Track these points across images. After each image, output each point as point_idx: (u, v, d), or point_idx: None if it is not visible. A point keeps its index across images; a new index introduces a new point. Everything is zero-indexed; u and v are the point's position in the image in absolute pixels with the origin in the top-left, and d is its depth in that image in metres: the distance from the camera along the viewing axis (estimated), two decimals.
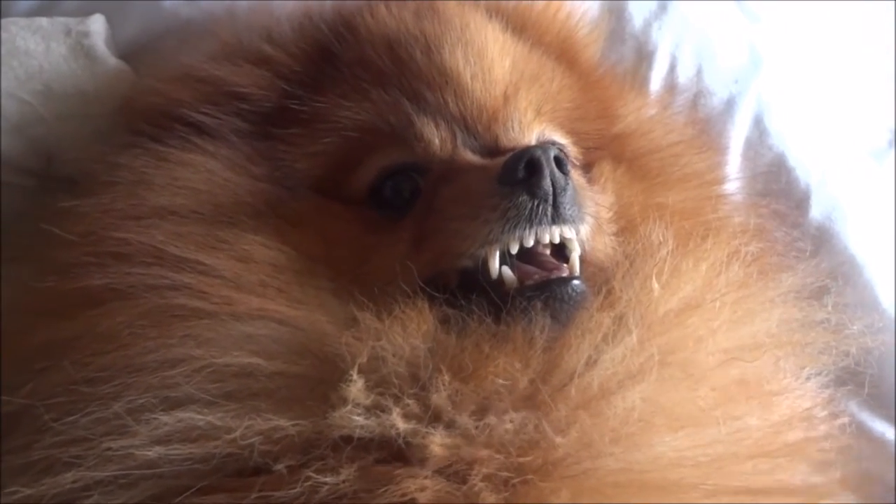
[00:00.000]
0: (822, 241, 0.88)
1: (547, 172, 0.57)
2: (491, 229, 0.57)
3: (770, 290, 0.66)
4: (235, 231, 0.61)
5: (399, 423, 0.51)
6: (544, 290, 0.57)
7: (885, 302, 0.88)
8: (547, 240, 0.58)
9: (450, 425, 0.51)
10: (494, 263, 0.57)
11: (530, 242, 0.57)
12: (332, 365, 0.53)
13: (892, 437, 0.85)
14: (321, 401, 0.52)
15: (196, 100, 0.68)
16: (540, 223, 0.58)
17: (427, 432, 0.51)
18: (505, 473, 0.50)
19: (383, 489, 0.50)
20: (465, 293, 0.58)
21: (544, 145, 0.60)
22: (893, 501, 0.83)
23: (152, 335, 0.55)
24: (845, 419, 0.76)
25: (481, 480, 0.50)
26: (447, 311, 0.56)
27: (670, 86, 0.90)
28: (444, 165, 0.63)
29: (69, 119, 0.71)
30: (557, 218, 0.58)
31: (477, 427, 0.51)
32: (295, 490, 0.49)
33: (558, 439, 0.51)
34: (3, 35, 0.72)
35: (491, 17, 0.73)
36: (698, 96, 0.90)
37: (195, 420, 0.52)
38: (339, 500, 0.50)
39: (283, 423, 0.51)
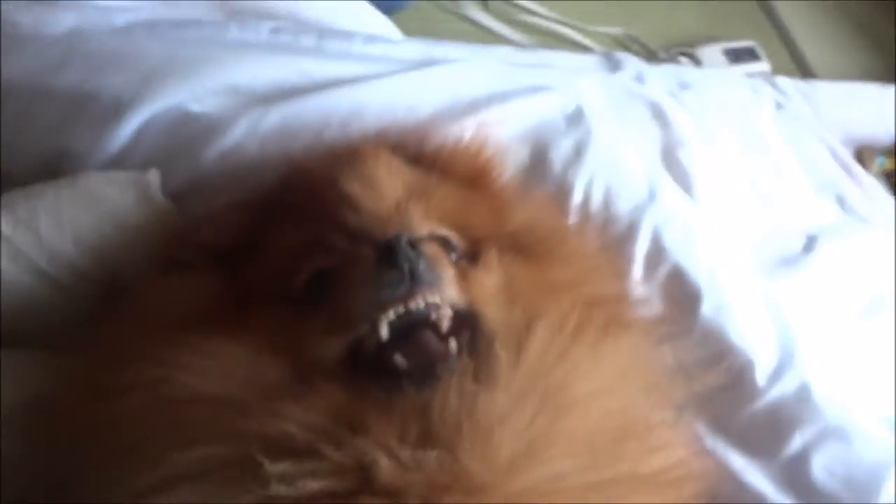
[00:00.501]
0: (708, 333, 1.08)
1: (401, 251, 0.72)
2: (371, 294, 0.72)
3: (626, 339, 0.83)
4: (205, 335, 0.75)
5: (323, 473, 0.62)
6: (426, 369, 0.70)
7: (760, 381, 1.06)
8: (414, 305, 0.72)
9: (390, 456, 0.63)
10: (383, 328, 0.71)
11: (401, 308, 0.71)
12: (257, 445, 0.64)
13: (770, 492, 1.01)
14: (255, 479, 0.62)
15: (181, 244, 0.92)
16: (401, 286, 0.72)
17: (375, 459, 0.62)
18: (432, 495, 0.62)
19: None
20: (368, 371, 0.71)
21: (399, 235, 0.74)
22: None
23: (149, 422, 0.69)
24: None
25: (417, 502, 0.61)
26: (359, 384, 0.69)
27: (585, 213, 1.14)
28: (347, 262, 0.78)
29: (132, 245, 0.97)
30: (416, 282, 0.72)
31: (410, 459, 0.63)
32: None
33: (471, 464, 0.63)
34: (86, 183, 0.97)
35: (393, 153, 0.94)
36: (607, 222, 1.14)
37: (182, 499, 0.62)
38: None
39: (240, 498, 0.61)
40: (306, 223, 0.87)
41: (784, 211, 1.45)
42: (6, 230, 0.93)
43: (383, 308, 0.72)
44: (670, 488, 0.71)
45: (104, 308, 0.92)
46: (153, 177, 1.02)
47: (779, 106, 1.71)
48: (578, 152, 1.20)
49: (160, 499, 0.63)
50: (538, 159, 1.17)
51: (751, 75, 1.86)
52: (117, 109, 1.06)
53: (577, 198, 1.16)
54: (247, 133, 1.08)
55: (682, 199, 1.23)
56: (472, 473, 0.63)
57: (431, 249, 0.79)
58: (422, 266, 0.73)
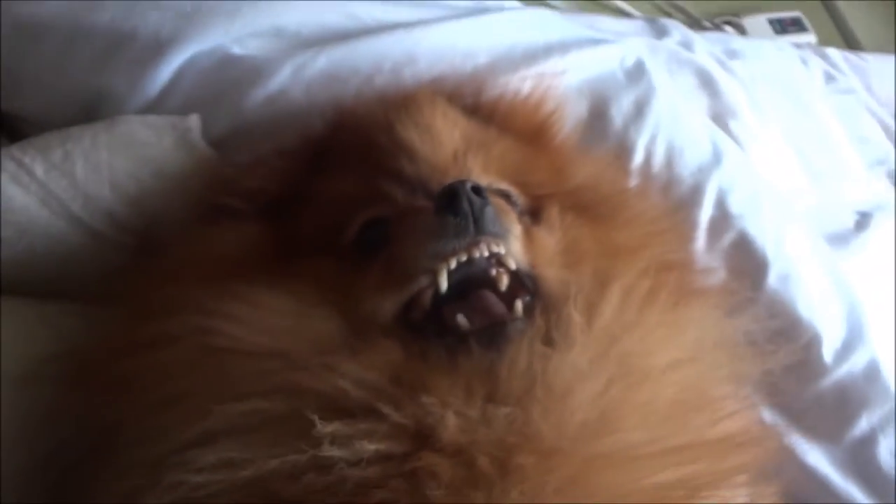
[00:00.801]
0: (774, 304, 1.03)
1: (464, 196, 0.68)
2: (431, 245, 0.69)
3: (698, 309, 0.79)
4: (252, 285, 0.72)
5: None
6: (493, 331, 0.67)
7: (826, 356, 1.02)
8: (478, 254, 0.68)
9: (457, 414, 0.60)
10: (443, 279, 0.68)
11: (464, 257, 0.68)
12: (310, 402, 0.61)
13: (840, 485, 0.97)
14: (304, 437, 0.59)
15: (226, 191, 0.87)
16: (465, 235, 0.68)
17: (442, 416, 0.59)
18: (501, 454, 0.59)
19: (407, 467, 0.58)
20: (427, 330, 0.68)
21: (463, 180, 0.70)
22: None
23: (194, 373, 0.66)
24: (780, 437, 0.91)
25: (486, 459, 0.59)
26: (416, 342, 0.66)
27: (646, 174, 1.08)
28: (403, 213, 0.75)
29: (172, 193, 0.92)
30: (480, 231, 0.68)
31: (480, 416, 0.60)
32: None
33: (542, 426, 0.60)
34: (124, 128, 0.93)
35: (449, 102, 0.90)
36: (669, 183, 1.09)
37: (228, 453, 0.60)
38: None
39: (289, 456, 0.59)
40: (358, 171, 0.83)
41: (834, 186, 1.39)
42: (40, 173, 0.88)
43: (444, 258, 0.68)
44: (734, 453, 0.68)
45: (141, 258, 0.88)
46: (194, 122, 0.96)
47: (829, 78, 1.65)
48: (640, 109, 1.13)
49: (205, 452, 0.60)
50: (597, 115, 1.11)
51: (797, 46, 1.77)
52: (156, 49, 1.01)
53: (638, 157, 1.10)
54: (292, 78, 1.03)
55: (747, 163, 1.16)
56: (543, 435, 0.60)
57: (496, 200, 0.75)
58: (488, 213, 0.69)
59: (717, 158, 1.12)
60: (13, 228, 0.86)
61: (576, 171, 0.93)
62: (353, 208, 0.78)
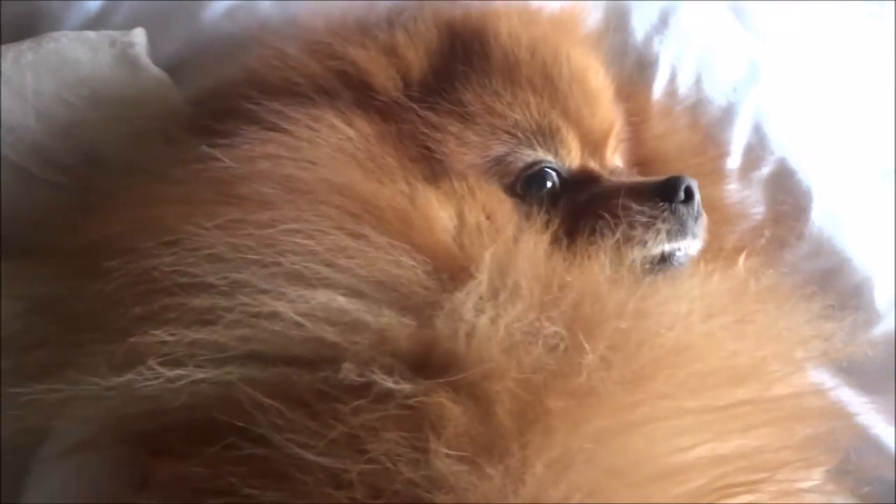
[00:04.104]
0: (821, 242, 0.92)
1: (696, 197, 0.72)
2: (660, 235, 0.70)
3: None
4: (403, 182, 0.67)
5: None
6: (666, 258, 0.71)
7: (879, 301, 0.91)
8: (692, 250, 0.73)
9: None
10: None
11: (681, 248, 0.72)
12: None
13: (891, 437, 0.86)
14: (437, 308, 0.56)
15: (328, 76, 0.74)
16: (690, 236, 0.72)
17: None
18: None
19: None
20: None
21: (688, 178, 0.73)
22: (894, 501, 0.86)
23: (324, 222, 0.59)
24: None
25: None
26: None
27: (671, 94, 0.94)
28: (583, 174, 0.75)
29: (112, 121, 0.78)
30: (693, 233, 0.73)
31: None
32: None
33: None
34: (53, 45, 0.79)
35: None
36: (698, 104, 0.94)
37: (342, 304, 0.55)
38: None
39: (400, 321, 0.55)
40: (524, 96, 0.75)
41: (880, 121, 1.24)
42: None
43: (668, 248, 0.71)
44: (802, 421, 0.63)
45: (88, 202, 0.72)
46: (138, 36, 0.81)
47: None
48: (664, 19, 0.98)
49: None
50: (616, 25, 0.95)
51: None
52: None
53: (662, 74, 0.94)
54: None
55: (789, 82, 1.00)
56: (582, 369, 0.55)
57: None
58: (699, 217, 0.74)
59: (753, 76, 0.98)
60: None
61: (645, 135, 0.89)
62: (517, 140, 0.74)
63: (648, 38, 0.96)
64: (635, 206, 0.71)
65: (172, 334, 0.54)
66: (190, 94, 0.82)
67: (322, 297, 0.55)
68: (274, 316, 0.54)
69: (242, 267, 0.56)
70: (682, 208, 0.72)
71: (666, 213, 0.71)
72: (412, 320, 0.56)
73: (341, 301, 0.56)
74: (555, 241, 0.66)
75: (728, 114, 0.95)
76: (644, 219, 0.71)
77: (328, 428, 0.51)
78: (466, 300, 0.56)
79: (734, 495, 0.54)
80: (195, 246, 0.57)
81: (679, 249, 0.72)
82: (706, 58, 0.97)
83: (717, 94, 0.96)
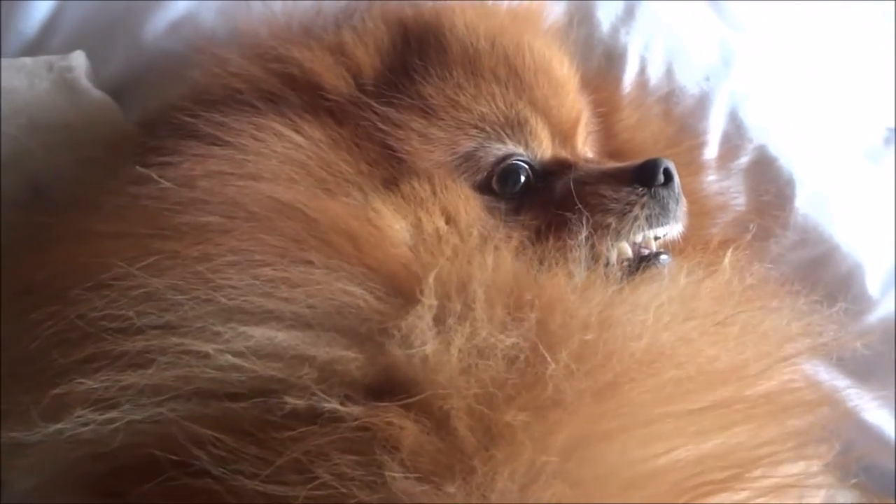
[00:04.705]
0: (806, 230, 0.89)
1: (675, 178, 0.69)
2: (638, 222, 0.68)
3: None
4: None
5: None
6: (646, 260, 0.68)
7: (871, 288, 0.88)
8: (673, 234, 0.71)
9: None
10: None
11: (663, 234, 0.70)
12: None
13: (891, 426, 0.84)
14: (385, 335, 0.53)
15: (272, 80, 0.70)
16: (672, 219, 0.69)
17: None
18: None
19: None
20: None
21: (665, 160, 0.70)
22: (893, 488, 0.83)
23: (266, 251, 0.56)
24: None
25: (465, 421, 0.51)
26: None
27: (642, 86, 0.91)
28: (556, 164, 0.72)
29: (55, 150, 0.74)
30: (675, 218, 0.70)
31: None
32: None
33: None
34: None
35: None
36: (670, 94, 0.91)
37: (284, 339, 0.52)
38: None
39: (348, 354, 0.52)
40: (488, 88, 0.71)
41: (863, 102, 1.21)
42: None
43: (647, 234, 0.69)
44: (782, 416, 0.61)
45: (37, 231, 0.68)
46: (77, 59, 0.77)
47: None
48: (630, 10, 0.95)
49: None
50: (581, 19, 0.92)
51: None
52: None
53: (632, 66, 0.91)
54: None
55: (764, 66, 0.97)
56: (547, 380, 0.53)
57: None
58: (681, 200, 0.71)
59: (726, 62, 0.94)
60: None
61: (618, 126, 0.86)
62: (486, 134, 0.71)
63: (615, 30, 0.93)
64: (611, 194, 0.69)
65: (103, 380, 0.51)
66: (136, 116, 0.78)
67: (262, 333, 0.52)
68: (208, 358, 0.51)
69: (176, 306, 0.53)
70: (662, 191, 0.69)
71: (645, 198, 0.69)
72: (361, 351, 0.52)
73: (283, 336, 0.52)
74: (522, 245, 0.63)
75: (702, 102, 0.92)
76: (619, 206, 0.68)
77: (275, 455, 0.49)
78: (416, 325, 0.53)
79: (710, 494, 0.53)
80: (127, 287, 0.54)
81: (665, 234, 0.70)
82: (676, 47, 0.94)
83: (689, 83, 0.92)
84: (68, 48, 0.81)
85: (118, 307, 0.53)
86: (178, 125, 0.65)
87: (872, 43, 1.27)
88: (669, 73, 0.92)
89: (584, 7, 0.94)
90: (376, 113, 0.69)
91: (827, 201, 0.90)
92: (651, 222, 0.69)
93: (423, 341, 0.52)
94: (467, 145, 0.70)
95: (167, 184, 0.59)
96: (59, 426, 0.51)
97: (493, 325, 0.54)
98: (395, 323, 0.53)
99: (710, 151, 0.91)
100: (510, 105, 0.72)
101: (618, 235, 0.68)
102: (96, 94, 0.77)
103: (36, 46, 0.84)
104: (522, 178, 0.71)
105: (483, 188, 0.70)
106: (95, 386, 0.51)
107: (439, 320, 0.53)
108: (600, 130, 0.84)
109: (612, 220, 0.68)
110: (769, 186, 0.89)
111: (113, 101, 0.79)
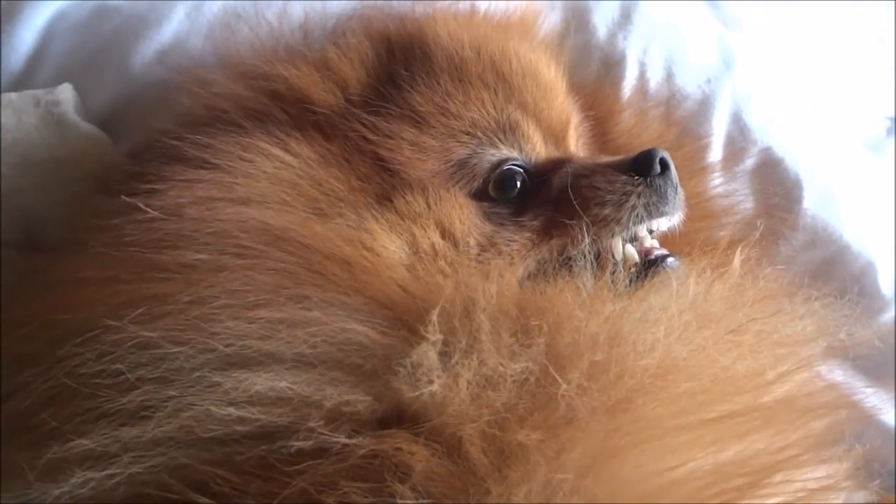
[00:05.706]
0: (816, 230, 0.87)
1: (672, 168, 0.68)
2: (636, 211, 0.67)
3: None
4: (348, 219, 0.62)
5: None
6: (654, 264, 0.67)
7: (885, 287, 0.86)
8: (674, 223, 0.70)
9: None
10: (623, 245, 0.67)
11: (664, 225, 0.69)
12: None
13: (892, 420, 0.82)
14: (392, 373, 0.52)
15: (258, 97, 0.69)
16: (671, 207, 0.68)
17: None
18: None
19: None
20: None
21: (661, 150, 0.69)
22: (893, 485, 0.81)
23: (260, 289, 0.54)
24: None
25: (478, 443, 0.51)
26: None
27: (641, 90, 0.89)
28: (551, 163, 0.71)
29: (46, 188, 0.72)
30: (674, 207, 0.69)
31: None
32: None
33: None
34: None
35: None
36: (671, 98, 0.90)
37: (287, 385, 0.51)
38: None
39: (356, 397, 0.51)
40: (478, 94, 0.71)
41: (864, 94, 1.19)
42: None
43: (648, 224, 0.68)
44: (801, 421, 0.59)
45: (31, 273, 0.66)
46: (63, 92, 0.75)
47: None
48: (626, 14, 0.93)
49: None
50: (577, 25, 0.90)
51: None
52: (9, 7, 0.80)
53: (631, 71, 0.89)
54: (188, 23, 0.82)
55: (765, 66, 0.95)
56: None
57: None
58: (679, 189, 0.70)
59: (727, 64, 0.92)
60: None
61: (615, 129, 0.86)
62: (478, 140, 0.70)
63: (612, 36, 0.91)
64: (606, 185, 0.68)
65: (100, 438, 0.49)
66: (127, 148, 0.76)
67: (264, 380, 0.50)
68: (209, 412, 0.49)
69: (171, 357, 0.51)
70: (658, 181, 0.68)
71: (641, 188, 0.68)
72: (368, 391, 0.51)
73: (286, 382, 0.51)
74: (524, 257, 0.63)
75: (704, 105, 0.90)
76: (616, 197, 0.68)
77: (280, 486, 0.48)
78: (422, 362, 0.51)
79: (732, 501, 0.52)
80: (116, 340, 0.51)
81: (665, 223, 0.70)
82: (675, 49, 0.92)
83: (690, 86, 0.91)
84: (57, 80, 0.79)
85: (109, 361, 0.51)
86: (162, 149, 0.63)
87: (870, 32, 1.26)
88: (669, 76, 0.91)
89: (579, 13, 0.92)
90: (365, 124, 0.68)
91: (834, 198, 0.89)
92: (650, 211, 0.68)
93: (430, 379, 0.51)
94: (460, 152, 0.69)
95: (154, 213, 0.57)
96: (58, 491, 0.49)
97: (500, 354, 0.53)
98: (400, 359, 0.51)
99: (715, 154, 0.89)
100: (500, 110, 0.71)
101: (617, 226, 0.67)
102: (85, 127, 0.75)
103: (24, 78, 0.82)
104: (519, 183, 0.70)
105: (480, 195, 0.69)
106: (92, 446, 0.49)
107: (445, 355, 0.52)
108: (599, 136, 0.83)
109: (609, 210, 0.67)
110: (776, 189, 0.88)
111: (103, 134, 0.77)
